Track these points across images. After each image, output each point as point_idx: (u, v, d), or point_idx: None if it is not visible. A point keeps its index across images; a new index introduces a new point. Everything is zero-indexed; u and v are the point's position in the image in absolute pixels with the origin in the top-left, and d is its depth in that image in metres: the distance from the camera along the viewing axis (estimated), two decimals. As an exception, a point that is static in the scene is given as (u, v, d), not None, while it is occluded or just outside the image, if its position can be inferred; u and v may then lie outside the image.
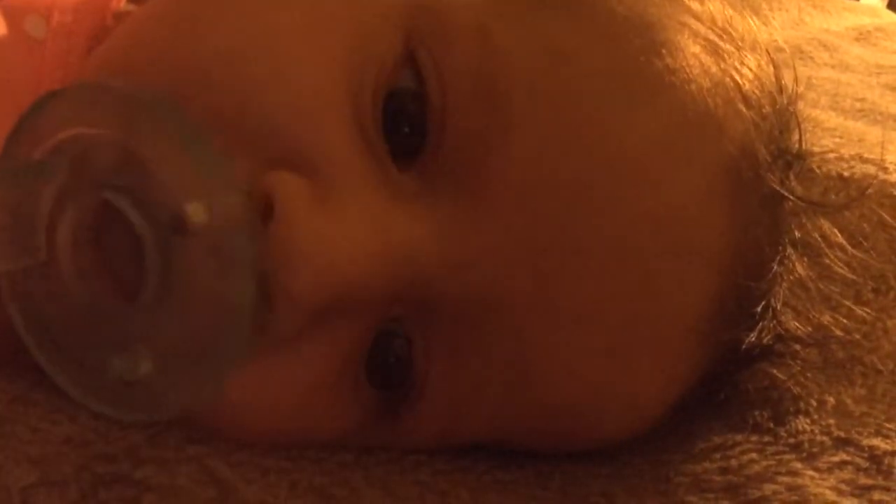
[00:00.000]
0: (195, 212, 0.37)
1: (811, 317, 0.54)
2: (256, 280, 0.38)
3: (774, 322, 0.51)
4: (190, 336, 0.39)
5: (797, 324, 0.53)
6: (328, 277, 0.39)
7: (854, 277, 0.59)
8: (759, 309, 0.49)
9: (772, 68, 0.50)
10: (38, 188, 0.39)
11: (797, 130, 0.51)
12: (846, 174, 0.71)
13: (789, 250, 0.50)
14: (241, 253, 0.37)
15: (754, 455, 0.50)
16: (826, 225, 0.53)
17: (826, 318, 0.55)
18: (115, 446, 0.39)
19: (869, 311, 0.61)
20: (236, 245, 0.37)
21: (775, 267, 0.49)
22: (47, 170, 0.39)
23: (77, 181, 0.39)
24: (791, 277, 0.51)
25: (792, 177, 0.50)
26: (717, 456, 0.50)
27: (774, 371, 0.55)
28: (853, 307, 0.59)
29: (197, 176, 0.38)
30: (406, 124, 0.42)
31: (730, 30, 0.49)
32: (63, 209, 0.40)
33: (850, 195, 0.68)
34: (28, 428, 0.39)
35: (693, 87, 0.44)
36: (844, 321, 0.57)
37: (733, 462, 0.49)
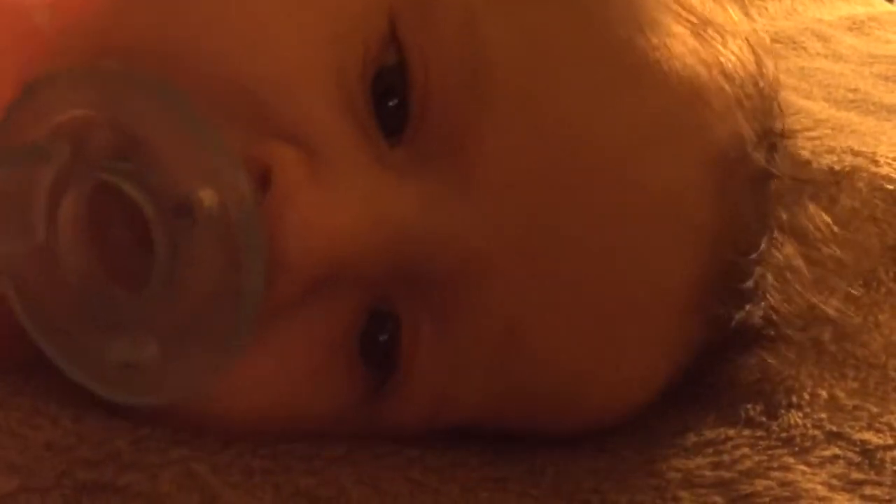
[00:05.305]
0: (205, 197, 0.37)
1: (802, 311, 0.54)
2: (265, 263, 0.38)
3: (763, 302, 0.51)
4: (196, 319, 0.39)
5: (788, 312, 0.52)
6: (325, 248, 0.39)
7: (845, 271, 0.59)
8: (747, 285, 0.49)
9: (753, 56, 0.51)
10: (36, 170, 0.39)
11: (780, 116, 0.51)
12: (837, 167, 0.71)
13: (776, 234, 0.50)
14: (252, 239, 0.38)
15: (746, 450, 0.50)
16: (817, 219, 0.53)
17: (817, 313, 0.55)
18: (99, 451, 0.39)
19: (860, 305, 0.61)
20: (247, 231, 0.38)
21: (763, 244, 0.49)
22: (46, 152, 0.39)
23: (78, 164, 0.39)
24: (779, 264, 0.51)
25: (776, 157, 0.50)
26: (710, 451, 0.49)
27: (767, 364, 0.55)
28: (845, 301, 0.59)
29: (202, 160, 0.38)
30: (393, 99, 0.42)
31: (711, 18, 0.49)
32: (63, 192, 0.39)
33: (840, 188, 0.68)
34: (8, 433, 0.39)
35: (678, 65, 0.45)
36: (836, 315, 0.57)
37: (725, 457, 0.49)
